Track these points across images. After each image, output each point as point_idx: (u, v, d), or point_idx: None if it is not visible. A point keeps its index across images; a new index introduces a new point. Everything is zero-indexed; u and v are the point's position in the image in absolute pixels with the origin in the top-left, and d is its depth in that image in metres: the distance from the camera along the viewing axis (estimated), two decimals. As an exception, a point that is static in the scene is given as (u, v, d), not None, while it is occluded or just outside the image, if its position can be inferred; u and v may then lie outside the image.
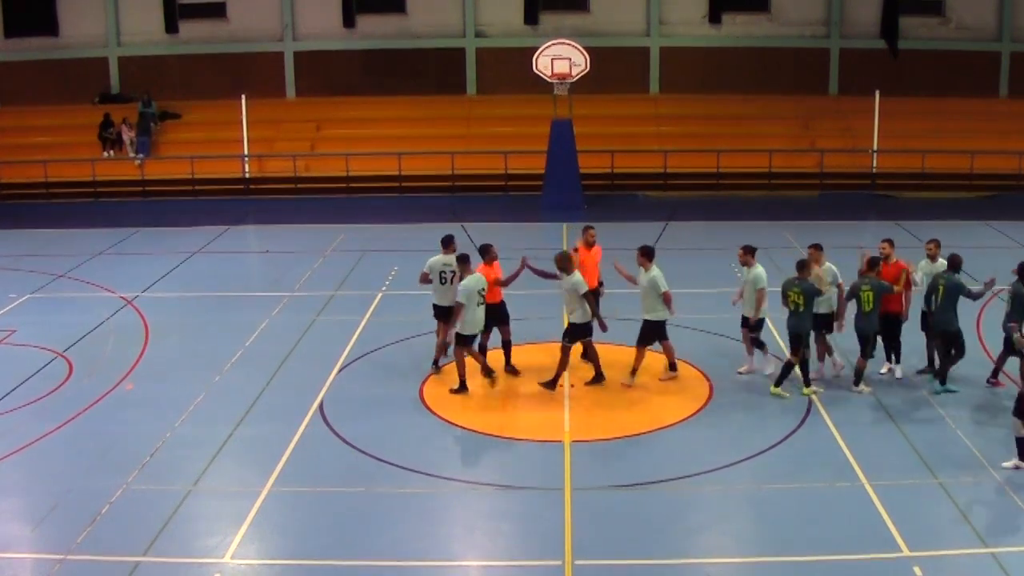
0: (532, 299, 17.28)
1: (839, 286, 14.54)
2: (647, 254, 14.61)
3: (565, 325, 14.72)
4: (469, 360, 14.38)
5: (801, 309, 13.86)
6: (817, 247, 14.66)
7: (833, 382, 14.60)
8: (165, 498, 11.22)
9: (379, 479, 11.80)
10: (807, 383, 14.10)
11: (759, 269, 14.73)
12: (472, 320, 14.21)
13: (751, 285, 14.65)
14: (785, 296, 14.04)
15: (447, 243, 15.29)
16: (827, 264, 14.66)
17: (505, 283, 14.91)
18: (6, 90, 34.27)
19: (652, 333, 14.52)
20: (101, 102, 33.87)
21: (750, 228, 25.43)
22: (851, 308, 14.28)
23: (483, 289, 14.34)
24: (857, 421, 13.23)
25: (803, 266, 14.10)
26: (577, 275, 14.24)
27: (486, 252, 14.95)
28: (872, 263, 14.12)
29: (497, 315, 14.91)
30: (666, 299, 14.31)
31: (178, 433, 13.08)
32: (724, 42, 34.53)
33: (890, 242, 14.75)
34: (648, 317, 14.46)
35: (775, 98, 33.24)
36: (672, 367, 14.79)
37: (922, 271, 14.66)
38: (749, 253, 14.85)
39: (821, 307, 14.33)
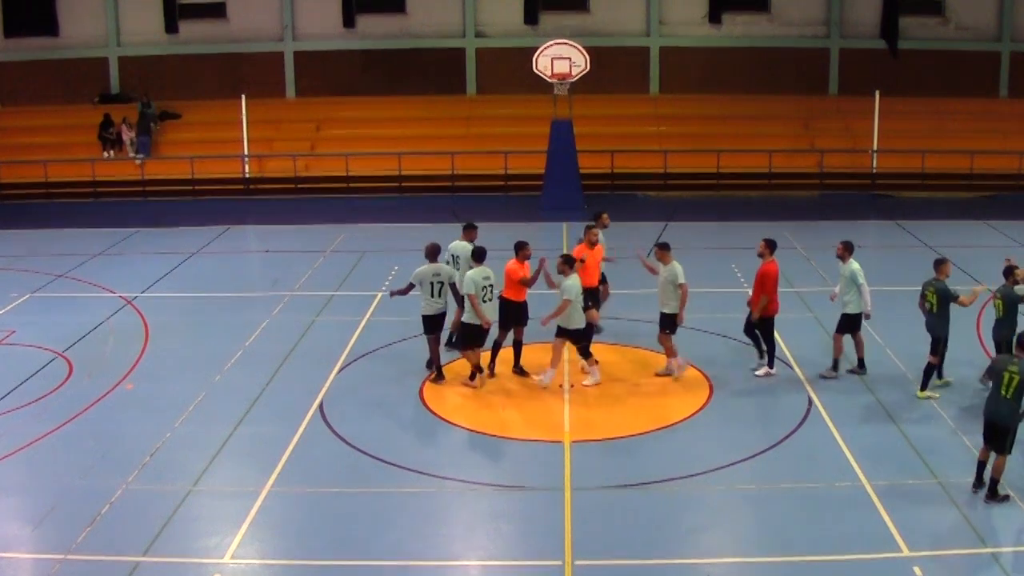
0: (532, 299, 17.24)
1: (682, 287, 14.55)
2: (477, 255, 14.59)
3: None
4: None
5: (934, 310, 13.84)
6: (664, 246, 14.79)
7: (832, 381, 14.60)
8: (165, 498, 11.22)
9: (379, 479, 11.80)
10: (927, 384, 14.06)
11: (573, 279, 14.40)
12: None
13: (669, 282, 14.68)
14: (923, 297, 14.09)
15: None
16: (674, 263, 14.63)
17: (530, 283, 14.91)
18: (6, 90, 34.30)
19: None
20: (101, 102, 33.87)
21: (750, 228, 25.44)
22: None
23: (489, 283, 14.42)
24: (857, 421, 13.24)
25: (938, 265, 14.09)
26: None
27: (520, 248, 14.85)
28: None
29: (518, 315, 14.90)
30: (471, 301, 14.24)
31: (178, 433, 13.08)
32: (724, 42, 34.53)
33: (766, 242, 14.82)
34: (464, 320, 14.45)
35: (775, 98, 33.24)
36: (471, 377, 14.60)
37: (843, 274, 14.70)
38: (568, 264, 14.55)
39: (666, 308, 14.64)
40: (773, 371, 14.85)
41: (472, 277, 14.30)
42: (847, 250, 14.77)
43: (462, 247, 15.51)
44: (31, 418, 13.56)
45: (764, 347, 14.94)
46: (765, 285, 14.60)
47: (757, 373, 14.89)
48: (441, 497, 11.44)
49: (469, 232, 15.83)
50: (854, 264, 14.63)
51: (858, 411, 13.60)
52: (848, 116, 32.87)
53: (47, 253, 23.61)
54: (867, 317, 14.72)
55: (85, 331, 17.35)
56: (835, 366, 14.82)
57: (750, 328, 15.05)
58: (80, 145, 31.89)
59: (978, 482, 11.05)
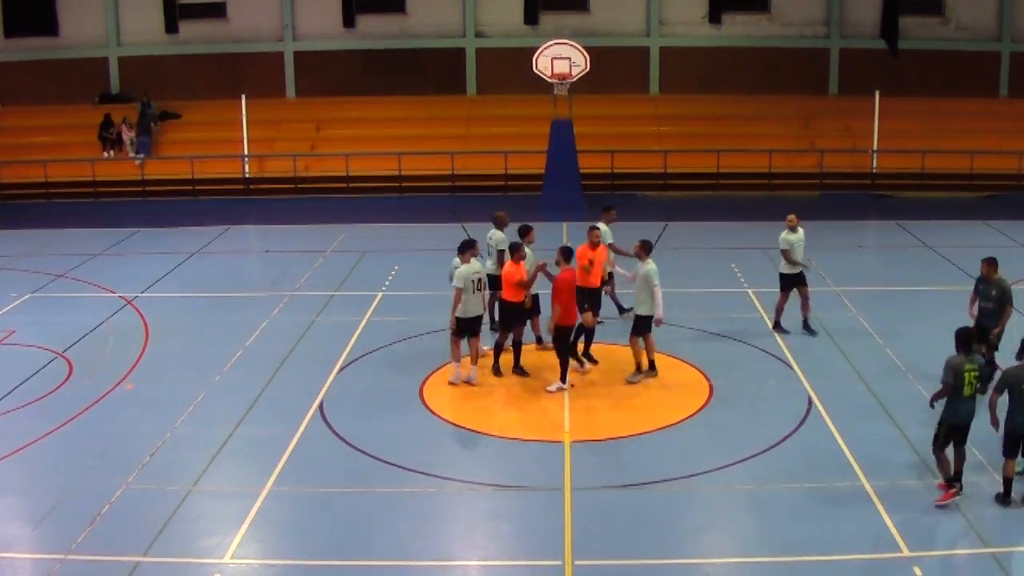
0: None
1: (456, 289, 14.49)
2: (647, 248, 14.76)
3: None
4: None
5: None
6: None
7: (832, 381, 14.62)
8: (165, 498, 11.22)
9: (379, 479, 11.80)
10: None
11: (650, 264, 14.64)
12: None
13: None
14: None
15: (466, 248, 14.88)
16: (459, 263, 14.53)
17: (527, 285, 14.86)
18: (6, 90, 34.28)
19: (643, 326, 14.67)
20: (101, 102, 33.85)
21: (750, 228, 25.46)
22: None
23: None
24: (857, 421, 13.22)
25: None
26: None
27: (515, 251, 14.85)
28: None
29: (520, 315, 14.92)
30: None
31: (178, 433, 13.09)
32: (724, 42, 34.51)
33: (561, 250, 14.72)
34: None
35: (775, 98, 33.23)
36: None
37: (639, 273, 14.75)
38: (645, 249, 14.79)
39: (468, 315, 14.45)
40: (565, 385, 14.32)
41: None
42: (644, 250, 14.71)
43: (606, 230, 16.66)
44: (31, 418, 13.56)
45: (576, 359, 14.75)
46: (559, 294, 14.17)
47: (549, 388, 14.38)
48: (441, 497, 11.44)
49: (608, 213, 17.21)
50: (650, 264, 14.54)
51: (858, 411, 13.59)
52: (848, 116, 32.85)
53: (47, 253, 23.61)
54: (658, 323, 14.67)
55: (85, 331, 17.35)
56: (638, 368, 14.75)
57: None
58: (80, 145, 31.86)
59: (1007, 498, 10.88)
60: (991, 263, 14.16)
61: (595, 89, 30.61)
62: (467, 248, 14.69)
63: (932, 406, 11.23)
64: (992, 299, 13.96)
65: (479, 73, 34.82)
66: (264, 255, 24.45)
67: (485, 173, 30.98)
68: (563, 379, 14.36)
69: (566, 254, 14.66)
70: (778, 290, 16.86)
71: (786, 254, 16.64)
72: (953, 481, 10.94)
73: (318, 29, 34.54)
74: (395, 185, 31.11)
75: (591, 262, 15.41)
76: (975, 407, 10.97)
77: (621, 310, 17.43)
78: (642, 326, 14.63)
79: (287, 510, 11.14)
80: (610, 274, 16.87)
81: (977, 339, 12.32)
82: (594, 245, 15.55)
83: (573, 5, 34.60)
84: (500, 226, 16.44)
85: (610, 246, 16.86)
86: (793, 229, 16.74)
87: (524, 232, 15.66)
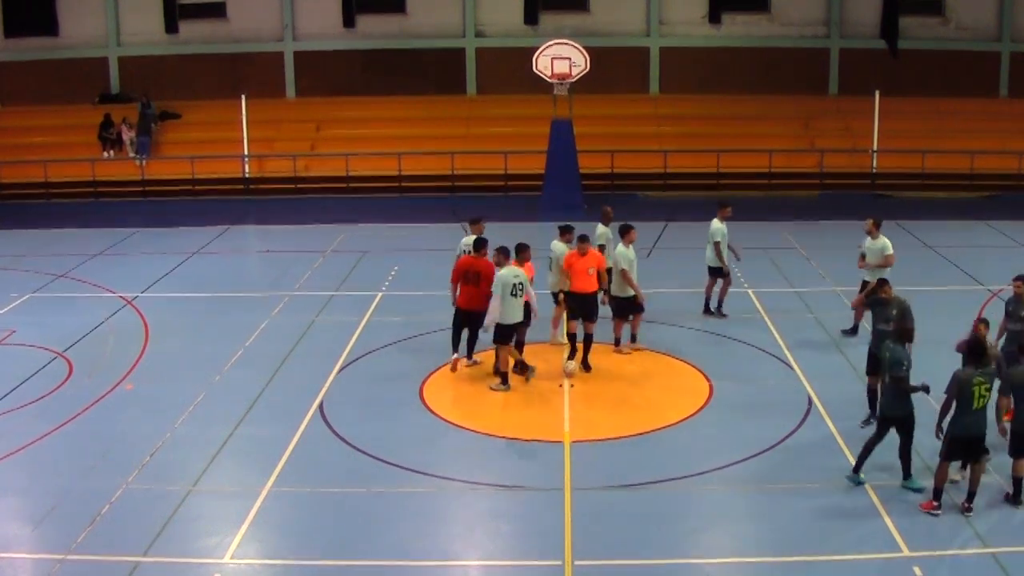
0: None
1: None
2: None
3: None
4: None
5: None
6: None
7: (834, 378, 14.61)
8: (165, 498, 11.22)
9: (379, 479, 11.80)
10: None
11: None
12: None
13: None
14: None
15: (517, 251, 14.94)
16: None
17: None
18: (6, 90, 34.29)
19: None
20: (101, 102, 33.86)
21: (750, 228, 25.43)
22: None
23: (520, 283, 14.32)
24: (857, 421, 13.21)
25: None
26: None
27: (521, 251, 14.77)
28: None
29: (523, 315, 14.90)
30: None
31: (178, 433, 13.09)
32: (724, 42, 34.53)
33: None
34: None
35: (775, 98, 33.24)
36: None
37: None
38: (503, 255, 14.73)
39: None
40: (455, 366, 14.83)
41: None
42: (502, 255, 14.57)
43: (719, 227, 17.39)
44: (31, 418, 13.56)
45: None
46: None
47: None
48: (441, 497, 11.44)
49: (724, 209, 17.76)
50: (502, 271, 14.35)
51: (858, 411, 13.55)
52: (848, 116, 32.87)
53: (47, 253, 23.60)
54: (484, 329, 14.55)
55: (85, 331, 17.35)
56: (503, 379, 14.53)
57: None
58: (80, 145, 31.87)
59: (1017, 498, 10.86)
60: (887, 283, 13.49)
61: (595, 89, 30.60)
62: (522, 251, 14.76)
63: (939, 435, 10.78)
64: (893, 318, 12.96)
65: (479, 73, 34.84)
66: (264, 255, 24.46)
67: (485, 173, 31.00)
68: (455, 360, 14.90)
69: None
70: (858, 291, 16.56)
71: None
72: (967, 501, 10.76)
73: (318, 29, 34.55)
74: (395, 185, 31.12)
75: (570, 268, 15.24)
76: (987, 419, 10.79)
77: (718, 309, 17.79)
78: (502, 334, 14.37)
79: (287, 510, 11.14)
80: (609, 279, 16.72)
81: (873, 371, 12.61)
82: (583, 252, 15.35)
83: (573, 5, 34.61)
84: (605, 221, 16.72)
85: (715, 245, 17.26)
86: (871, 235, 16.37)
87: (625, 231, 15.70)
